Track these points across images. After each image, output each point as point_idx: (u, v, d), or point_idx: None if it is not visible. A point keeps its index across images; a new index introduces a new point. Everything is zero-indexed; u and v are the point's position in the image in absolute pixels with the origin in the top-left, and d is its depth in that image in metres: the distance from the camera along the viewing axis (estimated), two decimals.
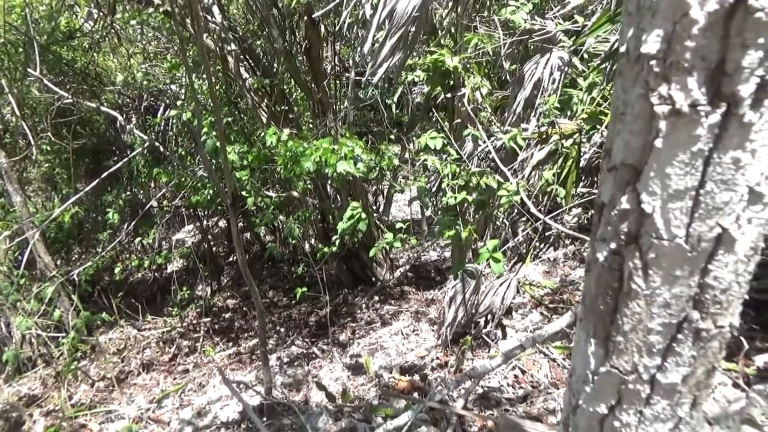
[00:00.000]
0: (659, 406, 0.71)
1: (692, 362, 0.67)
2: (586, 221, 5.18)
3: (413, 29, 3.40)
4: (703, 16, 0.53)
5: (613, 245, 0.68)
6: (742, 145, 0.56)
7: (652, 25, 0.57)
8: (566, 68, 3.99)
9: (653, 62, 0.57)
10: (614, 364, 0.72)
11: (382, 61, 3.48)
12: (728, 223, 0.60)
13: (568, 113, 4.21)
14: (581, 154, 4.18)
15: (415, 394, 3.20)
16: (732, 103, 0.55)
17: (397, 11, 3.35)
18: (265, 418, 3.25)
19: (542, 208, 4.37)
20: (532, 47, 4.20)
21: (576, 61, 4.18)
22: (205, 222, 6.59)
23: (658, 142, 0.59)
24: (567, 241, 5.00)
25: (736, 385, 2.36)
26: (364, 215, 3.67)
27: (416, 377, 3.40)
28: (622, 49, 0.62)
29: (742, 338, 2.52)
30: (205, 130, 3.94)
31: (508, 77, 4.73)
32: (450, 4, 4.35)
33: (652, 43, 0.57)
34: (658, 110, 0.58)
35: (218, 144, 3.33)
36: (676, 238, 0.61)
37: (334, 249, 4.11)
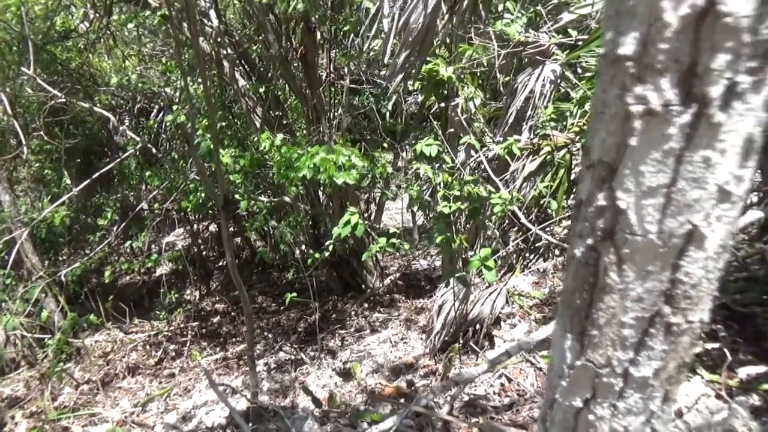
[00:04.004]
0: (632, 400, 0.73)
1: (664, 356, 0.69)
2: None
3: (426, 37, 3.48)
4: (676, 19, 0.55)
5: (589, 241, 0.70)
6: (711, 144, 0.59)
7: (629, 27, 0.59)
8: (558, 81, 4.04)
9: (629, 63, 0.60)
10: (589, 357, 0.74)
11: (399, 70, 3.54)
12: (698, 220, 0.62)
13: (559, 126, 4.25)
14: (572, 166, 4.23)
15: (402, 401, 3.20)
16: (702, 103, 0.57)
17: (410, 23, 3.42)
18: (250, 423, 3.24)
19: (533, 219, 4.41)
20: (525, 59, 4.26)
21: (569, 74, 4.24)
22: (195, 225, 6.57)
23: (633, 141, 0.62)
24: (557, 252, 5.03)
25: (719, 397, 2.38)
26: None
27: (403, 383, 3.40)
28: (602, 51, 0.65)
29: (725, 350, 2.55)
30: (198, 132, 3.94)
31: (501, 88, 4.79)
32: (446, 15, 4.40)
33: (628, 45, 0.59)
34: (632, 110, 0.60)
35: (212, 147, 3.34)
36: (649, 233, 0.64)
37: (326, 255, 4.11)
